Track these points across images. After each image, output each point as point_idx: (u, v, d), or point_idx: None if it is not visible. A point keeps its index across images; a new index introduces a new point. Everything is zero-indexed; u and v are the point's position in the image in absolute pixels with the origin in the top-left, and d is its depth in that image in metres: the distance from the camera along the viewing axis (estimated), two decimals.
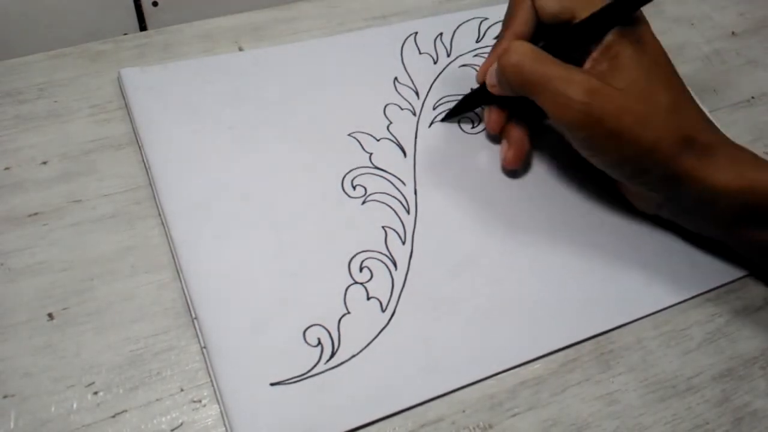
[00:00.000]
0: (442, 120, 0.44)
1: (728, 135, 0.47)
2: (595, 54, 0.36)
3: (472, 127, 0.44)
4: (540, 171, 0.43)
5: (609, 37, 0.35)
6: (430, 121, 0.44)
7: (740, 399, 0.36)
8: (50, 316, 0.35)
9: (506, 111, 0.41)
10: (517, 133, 0.41)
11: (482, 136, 0.44)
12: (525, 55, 0.35)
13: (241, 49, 0.47)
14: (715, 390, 0.36)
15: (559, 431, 0.34)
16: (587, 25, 0.36)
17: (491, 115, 0.41)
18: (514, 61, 0.35)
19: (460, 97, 0.44)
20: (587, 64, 0.36)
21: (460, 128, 0.44)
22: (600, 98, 0.33)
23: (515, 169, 0.42)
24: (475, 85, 0.43)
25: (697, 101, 0.37)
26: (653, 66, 0.35)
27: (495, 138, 0.43)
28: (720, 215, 0.36)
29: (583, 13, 0.36)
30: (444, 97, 0.46)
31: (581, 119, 0.34)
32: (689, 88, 0.36)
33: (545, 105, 0.35)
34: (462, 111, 0.43)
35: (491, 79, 0.39)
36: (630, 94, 0.34)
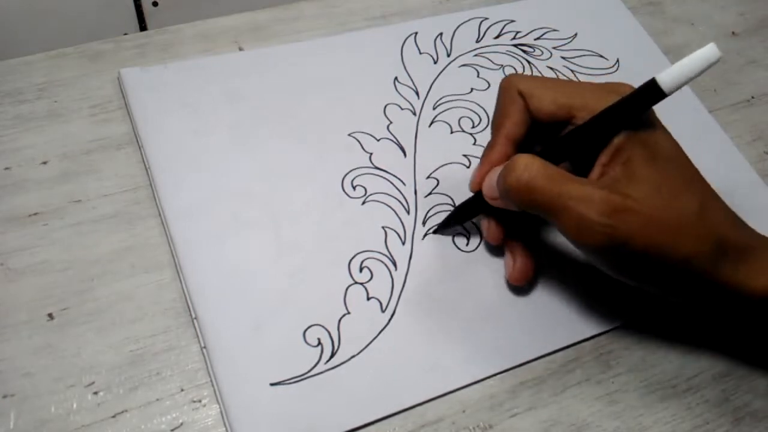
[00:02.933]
0: (434, 232, 0.39)
1: (728, 135, 0.47)
2: (604, 158, 0.32)
3: (467, 244, 0.39)
4: None
5: (618, 140, 0.31)
6: (430, 122, 0.44)
7: (740, 399, 0.36)
8: (50, 316, 0.35)
9: (507, 221, 0.37)
10: (521, 246, 0.37)
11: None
12: (535, 173, 0.31)
13: (241, 49, 0.47)
14: (715, 390, 0.36)
15: (559, 431, 0.34)
16: (592, 128, 0.32)
17: (490, 226, 0.37)
18: (524, 180, 0.31)
19: (452, 207, 0.40)
20: (596, 170, 0.32)
21: (454, 244, 0.39)
22: (624, 217, 0.29)
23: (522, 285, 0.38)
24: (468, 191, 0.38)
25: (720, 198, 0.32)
26: (671, 168, 0.31)
27: None
28: (754, 316, 0.33)
29: (581, 113, 0.33)
30: (444, 96, 0.46)
31: (605, 242, 0.30)
32: (702, 179, 0.33)
33: (562, 228, 0.31)
34: (456, 222, 0.39)
35: (491, 192, 0.34)
36: (653, 205, 0.30)
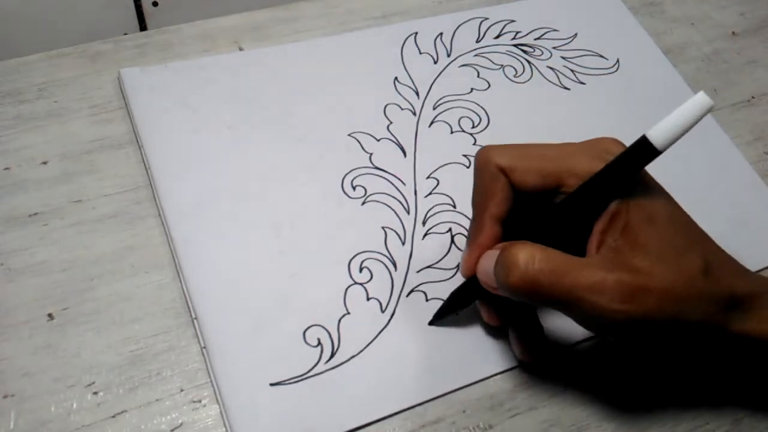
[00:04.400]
0: (430, 323, 0.36)
1: (728, 135, 0.47)
2: (600, 225, 0.30)
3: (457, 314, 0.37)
4: None
5: (614, 205, 0.29)
6: (430, 122, 0.44)
7: (740, 399, 0.36)
8: (50, 316, 0.35)
9: (507, 304, 0.34)
10: (525, 326, 0.35)
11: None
12: (539, 268, 0.28)
13: (241, 49, 0.47)
14: (716, 390, 0.36)
15: (559, 431, 0.34)
16: (584, 196, 0.30)
17: (489, 312, 0.35)
18: (529, 278, 0.28)
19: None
20: (594, 239, 0.30)
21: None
22: (639, 299, 0.28)
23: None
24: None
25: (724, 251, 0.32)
26: (671, 228, 0.30)
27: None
28: (755, 365, 0.32)
29: (570, 179, 0.30)
30: (444, 96, 0.46)
31: (622, 327, 0.28)
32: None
33: (575, 319, 0.29)
34: (452, 311, 0.36)
35: (489, 280, 0.31)
36: (663, 275, 0.28)
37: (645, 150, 0.28)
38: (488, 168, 0.32)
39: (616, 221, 0.29)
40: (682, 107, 0.27)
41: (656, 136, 0.27)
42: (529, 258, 0.28)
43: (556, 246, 0.29)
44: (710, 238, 0.31)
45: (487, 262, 0.31)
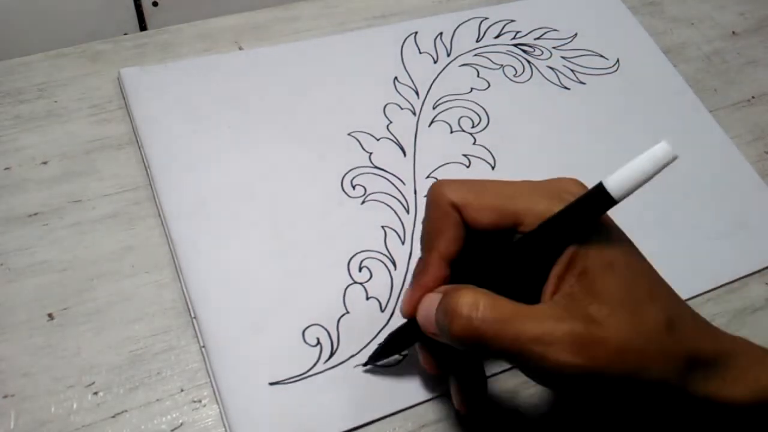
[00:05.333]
0: (364, 365, 0.34)
1: (729, 135, 0.47)
2: (556, 270, 0.27)
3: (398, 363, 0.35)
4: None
5: (571, 249, 0.27)
6: (430, 121, 0.44)
7: None
8: (50, 316, 0.35)
9: (447, 351, 0.31)
10: (465, 375, 0.32)
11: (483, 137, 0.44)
12: (482, 317, 0.26)
13: (241, 49, 0.47)
14: None
15: (559, 431, 0.34)
16: (540, 238, 0.28)
17: (427, 357, 0.32)
18: (472, 328, 0.26)
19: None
20: (551, 283, 0.27)
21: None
22: (591, 351, 0.25)
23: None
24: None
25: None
26: (631, 277, 0.27)
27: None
28: (737, 427, 0.29)
29: (528, 218, 0.28)
30: (444, 96, 0.46)
31: (572, 381, 0.26)
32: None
33: (524, 371, 0.27)
34: (390, 353, 0.34)
35: (429, 325, 0.29)
36: (619, 328, 0.26)
37: (601, 198, 0.26)
38: (440, 204, 0.30)
39: (573, 266, 0.27)
40: (642, 156, 0.25)
41: (613, 186, 0.25)
42: (473, 305, 0.26)
43: (510, 290, 0.28)
44: (674, 292, 0.29)
45: (429, 306, 0.29)
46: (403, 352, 0.35)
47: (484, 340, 0.26)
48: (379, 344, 0.34)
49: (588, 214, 0.27)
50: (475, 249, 0.30)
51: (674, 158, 0.24)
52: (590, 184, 0.27)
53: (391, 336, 0.33)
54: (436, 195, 0.30)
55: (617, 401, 0.28)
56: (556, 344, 0.25)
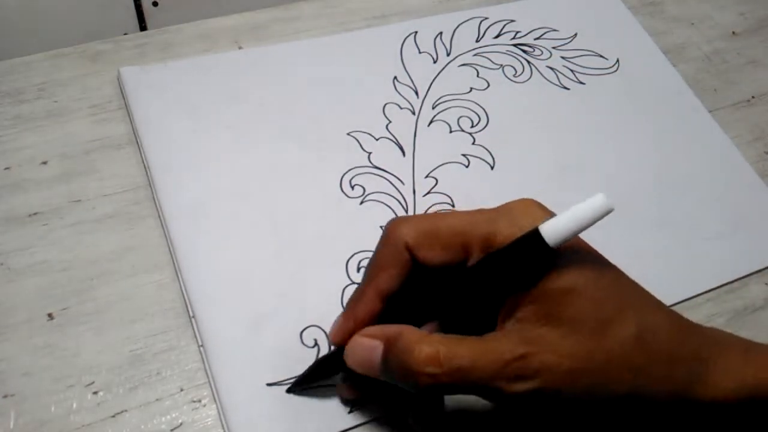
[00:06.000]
0: (288, 391, 0.33)
1: (729, 135, 0.47)
2: (511, 299, 0.27)
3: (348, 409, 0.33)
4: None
5: (511, 299, 0.27)
6: (429, 121, 0.44)
7: None
8: (50, 315, 0.35)
9: (371, 384, 0.30)
10: (421, 408, 0.31)
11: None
12: (445, 370, 0.26)
13: (241, 49, 0.47)
14: None
15: (560, 431, 0.34)
16: (483, 271, 0.27)
17: (347, 389, 0.32)
18: (439, 383, 0.26)
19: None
20: (503, 312, 0.28)
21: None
22: (542, 375, 0.26)
23: None
24: None
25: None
26: (598, 297, 0.27)
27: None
28: (720, 426, 0.29)
29: (476, 251, 0.28)
30: (443, 96, 0.46)
31: (534, 404, 0.26)
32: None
33: (486, 399, 0.27)
34: (315, 379, 0.33)
35: (368, 369, 0.29)
36: (572, 348, 0.26)
37: (536, 244, 0.25)
38: (395, 243, 0.30)
39: (528, 294, 0.27)
40: (579, 206, 0.25)
41: (549, 232, 0.25)
42: (433, 359, 0.26)
43: (457, 320, 0.28)
44: (652, 303, 0.28)
45: (362, 352, 0.29)
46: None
47: (448, 389, 0.27)
48: (304, 371, 0.33)
49: (522, 264, 0.26)
50: (421, 283, 0.30)
51: (610, 210, 0.24)
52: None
53: (319, 362, 0.33)
54: (392, 234, 0.30)
55: (587, 416, 0.28)
56: (510, 376, 0.26)
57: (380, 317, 0.30)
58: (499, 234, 0.28)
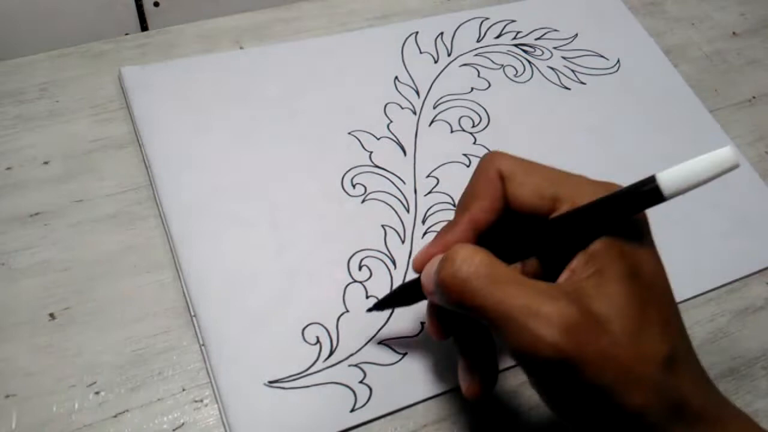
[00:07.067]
0: (369, 309, 0.35)
1: (729, 135, 0.47)
2: (576, 262, 0.26)
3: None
4: None
5: (596, 245, 0.25)
6: (430, 121, 0.44)
7: (741, 399, 0.36)
8: (52, 315, 0.35)
9: (452, 316, 0.29)
10: (474, 352, 0.30)
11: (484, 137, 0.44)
12: (475, 270, 0.25)
13: (242, 49, 0.47)
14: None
15: (561, 429, 0.34)
16: (567, 225, 0.26)
17: (431, 321, 0.30)
18: (460, 278, 0.25)
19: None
20: (565, 274, 0.26)
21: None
22: (578, 337, 0.23)
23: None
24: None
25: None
26: (649, 294, 0.25)
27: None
28: None
29: (565, 206, 0.27)
30: (444, 95, 0.46)
31: (549, 366, 0.24)
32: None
33: (502, 338, 0.25)
34: (395, 304, 0.34)
35: (429, 284, 0.27)
36: (616, 332, 0.24)
37: (649, 192, 0.24)
38: (488, 170, 0.29)
39: (592, 261, 0.25)
40: (704, 157, 0.23)
41: (666, 182, 0.24)
42: (468, 257, 0.25)
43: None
44: (685, 332, 0.27)
45: (429, 268, 0.28)
46: (402, 351, 0.35)
47: (467, 292, 0.25)
48: (387, 294, 0.34)
49: (629, 207, 0.25)
50: (505, 232, 0.29)
51: (736, 166, 0.23)
52: None
53: (400, 288, 0.33)
54: (487, 160, 0.29)
55: (588, 415, 0.25)
56: (541, 318, 0.24)
57: None
58: (593, 198, 0.26)
